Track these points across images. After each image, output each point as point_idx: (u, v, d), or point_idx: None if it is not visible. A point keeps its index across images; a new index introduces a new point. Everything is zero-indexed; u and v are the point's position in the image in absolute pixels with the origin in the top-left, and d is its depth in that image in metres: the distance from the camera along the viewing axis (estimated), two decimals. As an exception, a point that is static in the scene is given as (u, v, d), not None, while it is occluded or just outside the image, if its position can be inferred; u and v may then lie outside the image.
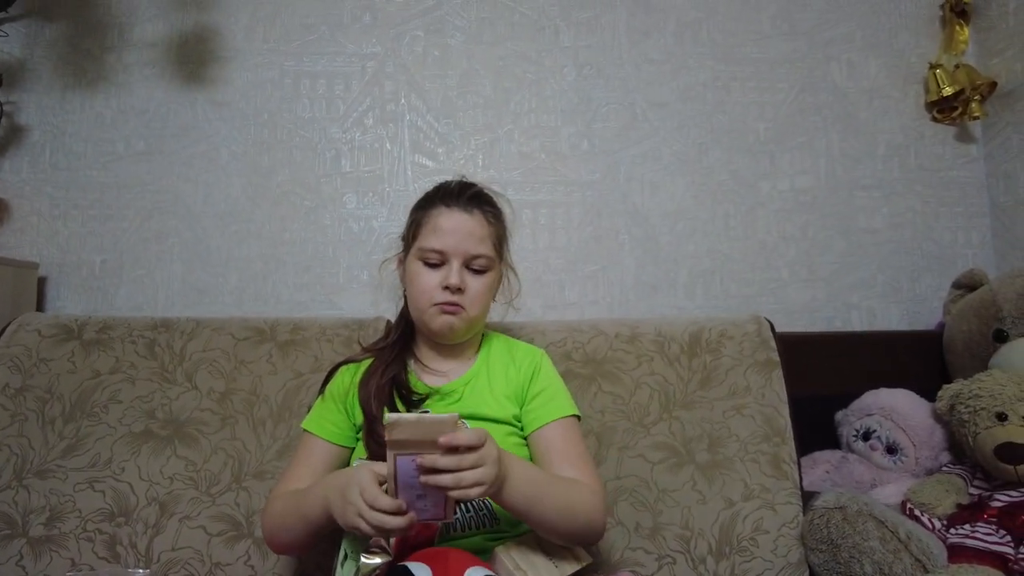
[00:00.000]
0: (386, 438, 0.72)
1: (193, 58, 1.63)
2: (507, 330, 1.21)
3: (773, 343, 1.21)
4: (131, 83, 1.63)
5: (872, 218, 1.70)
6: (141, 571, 0.96)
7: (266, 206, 1.61)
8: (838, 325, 1.67)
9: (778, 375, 1.18)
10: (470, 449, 0.73)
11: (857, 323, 1.67)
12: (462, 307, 0.95)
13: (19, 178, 1.60)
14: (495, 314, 1.16)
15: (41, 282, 1.55)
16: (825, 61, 1.73)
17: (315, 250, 1.60)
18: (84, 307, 1.57)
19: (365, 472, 0.76)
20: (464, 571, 0.75)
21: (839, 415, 1.43)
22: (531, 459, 0.96)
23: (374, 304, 1.59)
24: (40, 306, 1.55)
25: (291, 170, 1.62)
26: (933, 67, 1.69)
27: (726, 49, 1.71)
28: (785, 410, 1.16)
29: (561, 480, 0.88)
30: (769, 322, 1.24)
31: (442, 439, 0.72)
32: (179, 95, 1.63)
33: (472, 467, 0.73)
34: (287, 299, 1.58)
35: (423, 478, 0.73)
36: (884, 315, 1.68)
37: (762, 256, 1.67)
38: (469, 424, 0.94)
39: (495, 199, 1.05)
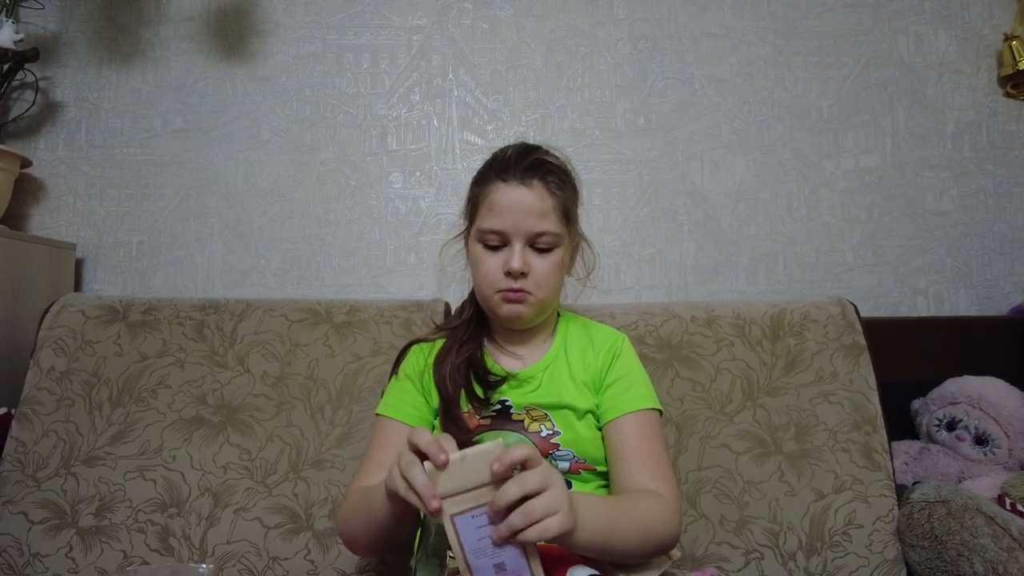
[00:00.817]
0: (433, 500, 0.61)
1: (232, 32, 1.57)
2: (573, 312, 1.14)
3: (859, 326, 1.14)
4: (168, 58, 1.56)
5: (941, 199, 1.62)
6: (203, 567, 0.89)
7: (309, 185, 1.54)
8: (904, 311, 1.59)
9: (866, 360, 1.11)
10: (525, 468, 0.63)
11: (923, 309, 1.59)
12: (528, 292, 0.86)
13: (55, 156, 1.54)
14: (569, 294, 1.10)
15: (78, 264, 1.50)
16: (891, 35, 1.64)
17: (360, 231, 1.54)
18: (121, 289, 1.52)
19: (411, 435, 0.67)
20: (567, 571, 0.68)
21: (917, 403, 1.35)
22: (603, 451, 0.88)
23: (421, 287, 1.52)
24: (77, 288, 1.49)
25: (335, 148, 1.55)
26: (1008, 39, 1.60)
27: (787, 23, 1.63)
28: (875, 397, 1.09)
29: (632, 503, 0.78)
30: (853, 304, 1.17)
31: (495, 466, 0.61)
32: (218, 70, 1.56)
33: (538, 491, 0.61)
34: (332, 282, 1.52)
35: (493, 530, 0.61)
36: (952, 300, 1.60)
37: (826, 239, 1.59)
38: (555, 418, 0.87)
39: (559, 163, 0.92)
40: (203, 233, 1.53)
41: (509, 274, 0.85)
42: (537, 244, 0.86)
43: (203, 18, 1.57)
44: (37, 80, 1.50)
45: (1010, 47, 1.59)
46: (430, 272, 1.53)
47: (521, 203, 0.85)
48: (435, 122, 1.57)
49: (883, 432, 1.06)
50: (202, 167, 1.54)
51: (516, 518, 0.60)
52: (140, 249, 1.53)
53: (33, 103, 1.51)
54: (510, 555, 0.62)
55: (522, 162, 0.87)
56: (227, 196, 1.54)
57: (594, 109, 1.58)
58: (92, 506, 1.02)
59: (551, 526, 0.61)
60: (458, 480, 0.62)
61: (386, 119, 1.56)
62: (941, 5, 1.64)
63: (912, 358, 1.44)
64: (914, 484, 1.09)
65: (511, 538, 0.61)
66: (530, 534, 0.61)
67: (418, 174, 1.55)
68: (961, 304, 1.60)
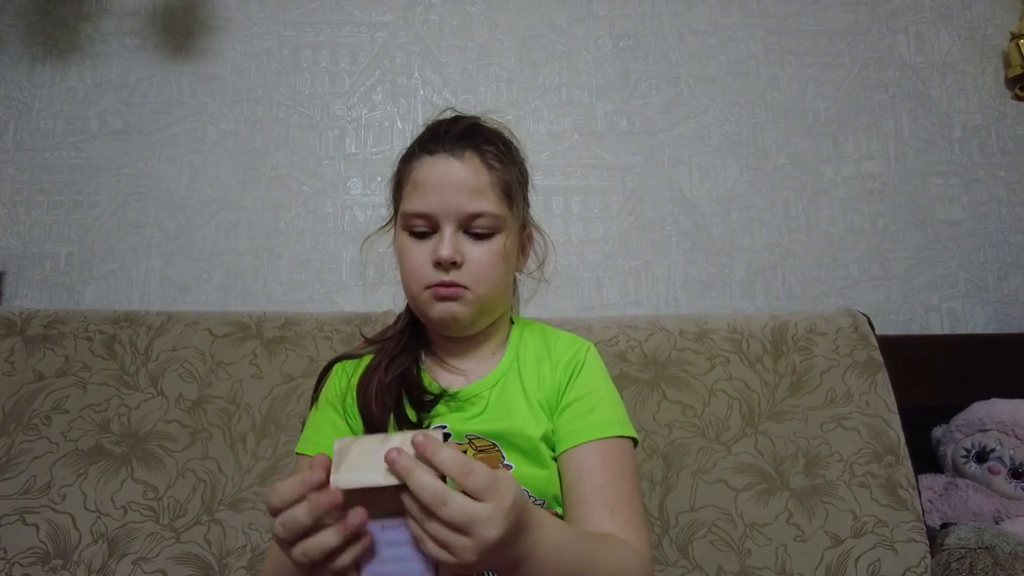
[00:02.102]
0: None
1: (180, 27, 1.44)
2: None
3: (873, 339, 0.99)
4: (109, 54, 1.43)
5: (950, 208, 1.49)
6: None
7: (259, 192, 1.40)
8: (916, 329, 1.44)
9: (883, 378, 0.95)
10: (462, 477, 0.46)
11: (937, 326, 1.45)
12: (463, 286, 0.70)
13: (-24, 159, 1.39)
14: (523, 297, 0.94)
15: (-4, 278, 1.34)
16: (890, 34, 1.53)
17: (314, 242, 1.39)
18: (46, 306, 1.35)
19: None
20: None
21: (939, 431, 1.19)
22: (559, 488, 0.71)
23: (380, 304, 1.36)
24: (-7, 305, 1.33)
25: (288, 151, 1.41)
26: (1015, 38, 1.49)
27: (779, 20, 1.52)
28: (896, 421, 0.93)
29: (607, 548, 0.61)
30: (866, 316, 1.02)
31: (392, 454, 0.45)
32: (163, 68, 1.43)
33: (457, 518, 0.45)
34: (280, 298, 1.36)
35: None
36: (968, 317, 1.46)
37: (827, 251, 1.45)
38: (505, 451, 0.70)
39: (499, 132, 0.76)
40: (140, 244, 1.38)
41: (439, 265, 0.69)
42: (472, 228, 0.70)
43: (148, 13, 1.45)
44: (-39, 77, 1.37)
45: (1018, 46, 1.48)
46: (390, 286, 1.37)
47: (450, 178, 0.69)
48: (399, 124, 1.44)
49: (908, 463, 0.90)
50: (141, 172, 1.40)
51: (433, 527, 0.45)
52: (69, 261, 1.37)
53: (-44, 102, 1.37)
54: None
55: (453, 129, 0.72)
56: (168, 204, 1.39)
57: (573, 110, 1.46)
58: (-42, 558, 0.85)
59: (473, 547, 0.45)
60: (360, 469, 0.46)
61: (345, 120, 1.43)
62: (941, 4, 1.54)
63: (930, 380, 1.29)
64: (944, 527, 0.93)
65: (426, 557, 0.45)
66: (441, 555, 0.45)
67: (379, 179, 1.41)
68: (978, 321, 1.45)
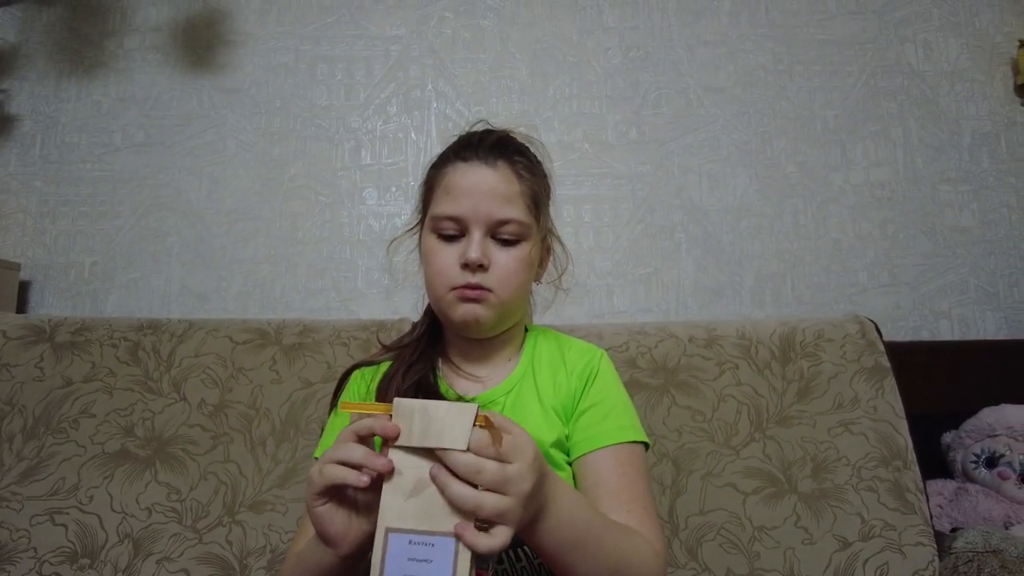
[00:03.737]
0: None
1: (200, 42, 1.49)
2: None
3: (881, 345, 1.00)
4: (132, 69, 1.48)
5: (960, 215, 1.49)
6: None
7: (277, 202, 1.43)
8: (925, 335, 1.45)
9: (891, 384, 0.96)
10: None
11: (947, 333, 1.45)
12: (488, 289, 0.72)
13: (6, 172, 1.44)
14: (539, 306, 0.96)
15: (24, 287, 1.38)
16: (898, 42, 1.54)
17: (331, 251, 1.42)
18: (70, 314, 1.39)
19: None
20: None
21: (948, 437, 1.20)
22: None
23: (396, 312, 1.39)
24: (21, 313, 1.37)
25: (305, 162, 1.45)
26: (1023, 45, 1.50)
27: (787, 30, 1.54)
28: (903, 426, 0.94)
29: (617, 527, 0.64)
30: (873, 322, 1.03)
31: (473, 439, 0.51)
32: (184, 82, 1.48)
33: (496, 480, 0.50)
34: (298, 306, 1.39)
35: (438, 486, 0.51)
36: (979, 324, 1.46)
37: (837, 258, 1.46)
38: None
39: (529, 146, 0.79)
40: (161, 253, 1.42)
41: (466, 266, 0.71)
42: (500, 234, 0.73)
43: (170, 29, 1.49)
44: (-9, 93, 1.42)
45: (1026, 54, 1.49)
46: (406, 295, 1.40)
47: (482, 184, 0.72)
48: (413, 135, 1.47)
49: (915, 468, 0.91)
50: (163, 183, 1.44)
51: (457, 486, 0.50)
52: (93, 271, 1.42)
53: (-14, 117, 1.42)
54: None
55: (486, 140, 0.75)
56: (188, 214, 1.43)
57: (583, 121, 1.48)
58: (-10, 556, 0.88)
59: (514, 503, 0.50)
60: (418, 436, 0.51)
61: (360, 132, 1.47)
62: (949, 12, 1.55)
63: (940, 386, 1.29)
64: (954, 531, 0.94)
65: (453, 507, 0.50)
66: (470, 503, 0.49)
67: (394, 189, 1.45)
68: (988, 328, 1.45)
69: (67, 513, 0.90)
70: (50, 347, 1.01)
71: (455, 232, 0.73)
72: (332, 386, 0.93)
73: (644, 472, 0.71)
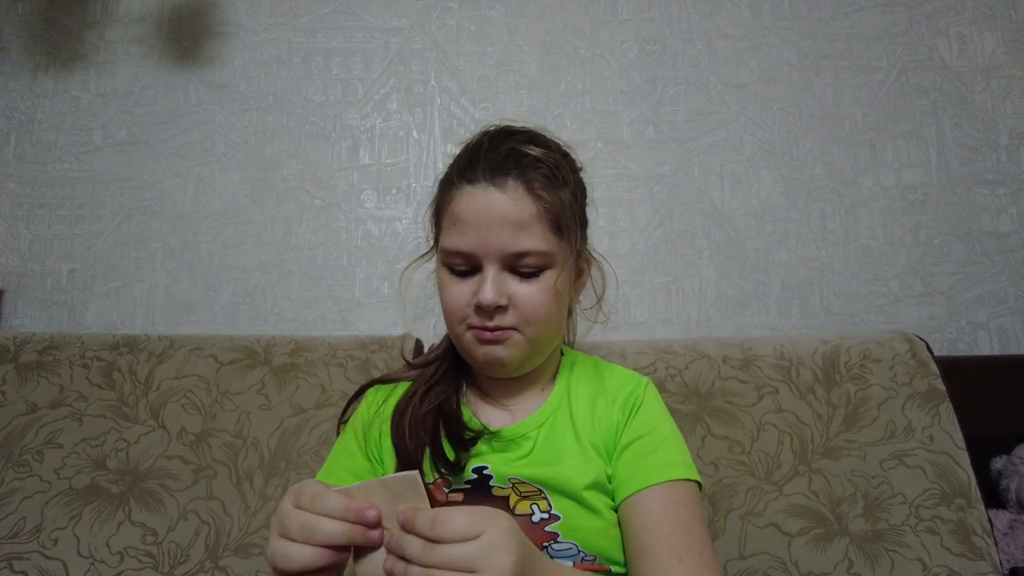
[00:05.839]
0: None
1: (187, 34, 1.39)
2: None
3: (934, 367, 0.91)
4: (114, 63, 1.38)
5: (998, 220, 1.40)
6: None
7: (268, 205, 1.33)
8: (963, 349, 1.35)
9: (948, 410, 0.87)
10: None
11: (986, 346, 1.36)
12: (513, 329, 0.63)
13: (-25, 173, 1.34)
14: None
15: (-6, 297, 1.28)
16: (931, 36, 1.45)
17: (326, 258, 1.32)
18: (46, 325, 1.29)
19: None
20: None
21: (998, 463, 1.11)
22: (621, 542, 0.63)
23: (396, 324, 1.30)
24: (-9, 325, 1.27)
25: (299, 163, 1.35)
26: (1065, 39, 1.41)
27: (812, 23, 1.45)
28: (964, 459, 0.84)
29: None
30: (924, 341, 0.93)
31: (400, 516, 0.46)
32: (169, 76, 1.38)
33: (462, 536, 0.44)
34: (290, 317, 1.29)
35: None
36: (1019, 336, 1.37)
37: (867, 265, 1.37)
38: (552, 498, 0.63)
39: (547, 153, 0.66)
40: (144, 260, 1.32)
41: (480, 309, 0.62)
42: (518, 267, 0.63)
43: (154, 19, 1.39)
44: (-40, 88, 1.31)
45: (1068, 48, 1.40)
46: (407, 305, 1.30)
47: (490, 213, 0.62)
48: (415, 133, 1.37)
49: (981, 507, 0.82)
50: (146, 185, 1.34)
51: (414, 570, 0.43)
52: (71, 279, 1.32)
53: (-45, 114, 1.32)
54: None
55: (492, 154, 0.64)
56: (173, 218, 1.33)
57: (597, 118, 1.39)
58: (-59, 609, 0.78)
59: None
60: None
61: (358, 130, 1.37)
62: (984, 3, 1.46)
63: (982, 405, 1.20)
64: (1013, 572, 0.84)
65: None
66: None
67: (394, 191, 1.35)
68: (1030, 341, 1.36)
69: (27, 559, 0.80)
70: (13, 368, 0.91)
71: (466, 267, 0.64)
72: (327, 413, 0.84)
73: (699, 514, 0.61)
